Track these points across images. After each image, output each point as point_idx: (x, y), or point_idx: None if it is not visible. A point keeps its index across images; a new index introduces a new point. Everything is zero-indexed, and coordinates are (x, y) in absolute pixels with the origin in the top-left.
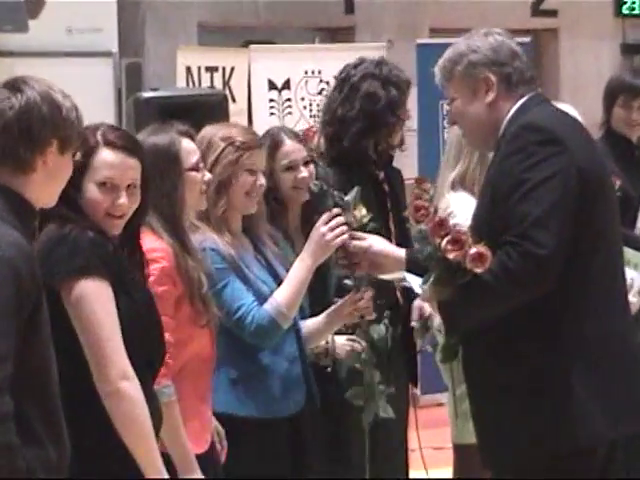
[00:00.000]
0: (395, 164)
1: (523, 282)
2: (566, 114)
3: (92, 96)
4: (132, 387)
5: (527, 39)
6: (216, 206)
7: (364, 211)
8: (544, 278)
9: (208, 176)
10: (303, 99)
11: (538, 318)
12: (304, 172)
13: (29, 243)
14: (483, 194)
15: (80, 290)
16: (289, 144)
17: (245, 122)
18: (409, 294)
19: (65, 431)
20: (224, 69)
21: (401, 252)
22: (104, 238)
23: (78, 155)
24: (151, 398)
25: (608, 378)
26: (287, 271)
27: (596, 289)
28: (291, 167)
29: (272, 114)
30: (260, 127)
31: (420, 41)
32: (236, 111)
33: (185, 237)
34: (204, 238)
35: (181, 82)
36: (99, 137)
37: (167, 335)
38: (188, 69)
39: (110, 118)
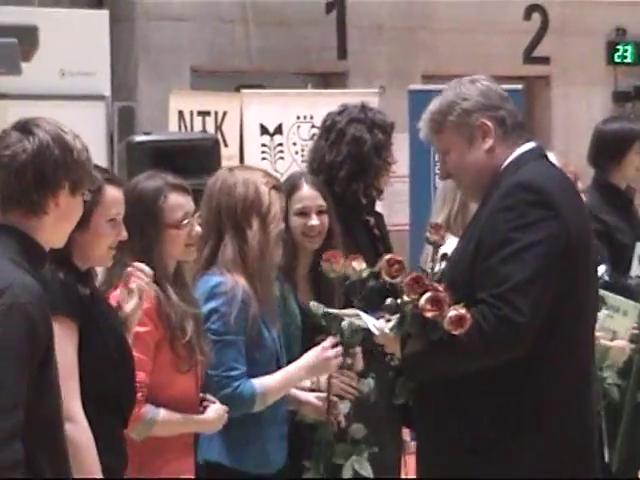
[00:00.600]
0: (387, 210)
1: (495, 347)
2: (561, 173)
3: (84, 139)
4: (76, 430)
5: (519, 86)
6: (272, 255)
7: (364, 265)
8: (517, 345)
9: (197, 230)
10: (295, 144)
11: (498, 379)
12: (314, 220)
13: (41, 287)
14: (465, 243)
15: None
16: (306, 190)
17: None
18: None
19: (71, 473)
20: (216, 113)
21: None
22: (82, 279)
23: (87, 194)
24: (117, 441)
25: (559, 445)
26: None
27: (564, 359)
28: (303, 213)
29: (264, 159)
30: None
31: (412, 87)
32: (228, 155)
33: (168, 286)
34: (234, 285)
35: (173, 126)
36: (97, 174)
37: (143, 375)
38: (180, 113)
39: (102, 161)
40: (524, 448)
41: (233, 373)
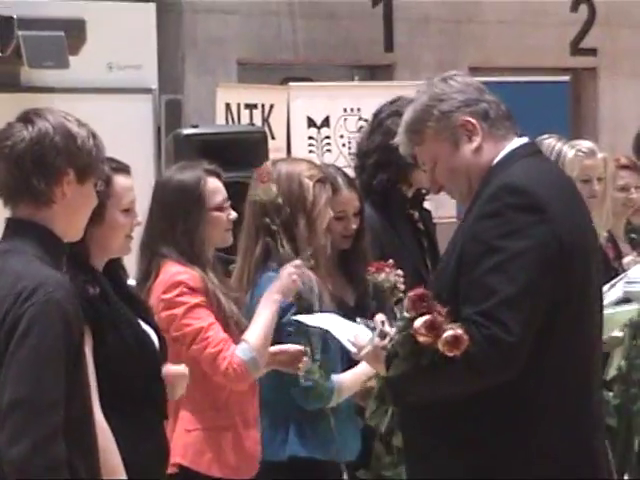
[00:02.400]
0: (434, 203)
1: (484, 370)
2: (555, 171)
3: (131, 132)
4: None
5: (566, 78)
6: (320, 245)
7: (400, 271)
8: (508, 367)
9: (234, 215)
10: (342, 137)
11: (488, 401)
12: (353, 224)
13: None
14: (450, 252)
15: None
16: (345, 193)
17: None
18: None
19: (100, 469)
20: (263, 106)
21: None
22: (93, 279)
23: (100, 184)
24: (151, 434)
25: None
26: None
27: (560, 376)
28: (341, 217)
29: (311, 152)
30: None
31: None
32: (275, 148)
33: (209, 271)
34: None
35: (220, 119)
36: (104, 165)
37: (219, 333)
38: (228, 106)
39: (149, 154)
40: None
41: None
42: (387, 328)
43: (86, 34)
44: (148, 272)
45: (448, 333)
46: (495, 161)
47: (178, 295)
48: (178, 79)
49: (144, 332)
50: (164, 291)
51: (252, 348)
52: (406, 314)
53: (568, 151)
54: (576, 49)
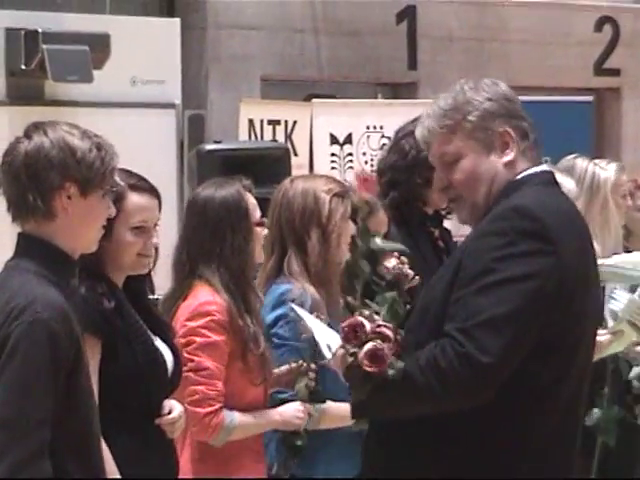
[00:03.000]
0: (454, 222)
1: (453, 389)
2: (570, 205)
3: (154, 147)
4: None
5: (590, 98)
6: (336, 260)
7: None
8: (479, 389)
9: (265, 231)
10: (365, 154)
11: (460, 424)
12: None
13: (67, 297)
14: (446, 266)
15: None
16: (381, 215)
17: None
18: None
19: None
20: (286, 122)
21: None
22: (109, 292)
23: (111, 195)
24: (160, 451)
25: None
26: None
27: (542, 420)
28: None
29: (333, 168)
30: None
31: None
32: (298, 165)
33: (249, 292)
34: (302, 293)
35: (243, 135)
36: (120, 181)
37: (220, 384)
38: (251, 122)
39: (172, 169)
40: None
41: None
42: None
43: (110, 49)
44: (180, 291)
45: (368, 346)
46: (511, 181)
47: (202, 327)
48: (201, 94)
49: (157, 350)
50: (189, 318)
51: (238, 422)
52: (346, 346)
53: (603, 169)
54: (600, 69)
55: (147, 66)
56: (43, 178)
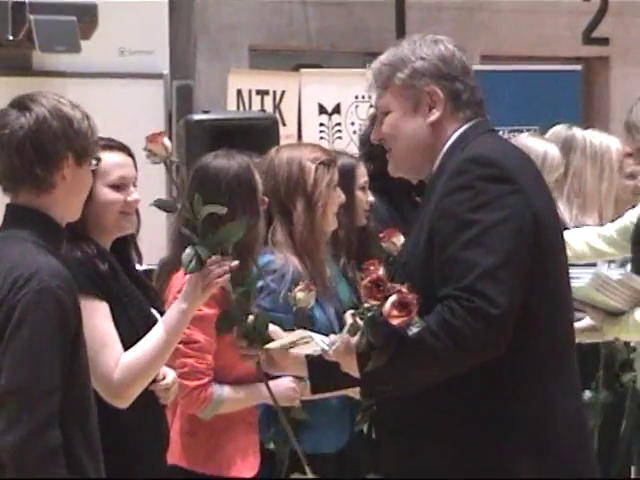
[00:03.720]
0: None
1: (471, 345)
2: (516, 147)
3: (143, 117)
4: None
5: (578, 67)
6: (322, 229)
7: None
8: (495, 342)
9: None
10: (353, 124)
11: (460, 391)
12: (371, 196)
13: (65, 267)
14: (414, 240)
15: None
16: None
17: None
18: None
19: (101, 453)
20: (275, 92)
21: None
22: (100, 255)
23: (94, 163)
24: (152, 418)
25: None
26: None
27: (543, 361)
28: (364, 188)
29: (322, 138)
30: None
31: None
32: (286, 135)
33: (249, 267)
34: (284, 264)
35: (232, 105)
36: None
37: (209, 357)
38: (239, 92)
39: None
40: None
41: None
42: (359, 321)
43: (98, 19)
44: (175, 260)
45: (394, 297)
46: (452, 139)
47: None
48: (190, 65)
49: (151, 313)
50: (181, 289)
51: (227, 396)
52: (367, 304)
53: (609, 139)
54: (588, 38)
55: (135, 36)
56: (49, 150)
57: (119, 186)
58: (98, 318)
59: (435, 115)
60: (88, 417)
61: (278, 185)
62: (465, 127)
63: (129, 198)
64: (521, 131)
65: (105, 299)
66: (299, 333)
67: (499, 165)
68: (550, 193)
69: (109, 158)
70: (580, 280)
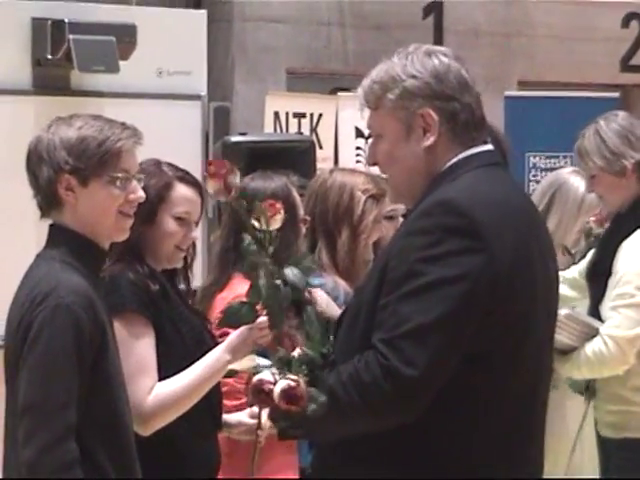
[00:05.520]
0: None
1: (377, 405)
2: (510, 192)
3: (179, 138)
4: (145, 431)
5: (616, 94)
6: (363, 259)
7: None
8: (405, 405)
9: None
10: None
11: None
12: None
13: (93, 283)
14: (373, 270)
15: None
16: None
17: None
18: None
19: (137, 467)
20: (312, 115)
21: None
22: (151, 277)
23: (154, 187)
24: (205, 440)
25: None
26: None
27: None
28: (392, 217)
29: (358, 162)
30: None
31: (508, 93)
32: (323, 158)
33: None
34: (335, 286)
35: (269, 127)
36: (169, 172)
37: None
38: (276, 114)
39: (197, 161)
40: None
41: None
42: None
43: (137, 39)
44: (219, 281)
45: (284, 383)
46: (446, 166)
47: None
48: (227, 86)
49: (202, 331)
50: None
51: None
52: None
53: None
54: (626, 65)
55: (173, 57)
56: (38, 174)
57: (183, 220)
58: (139, 341)
59: (430, 140)
60: (115, 431)
61: (327, 209)
62: (460, 157)
63: (188, 234)
64: (557, 157)
65: (152, 321)
66: (252, 361)
67: (469, 216)
68: (544, 242)
69: (182, 190)
70: None
